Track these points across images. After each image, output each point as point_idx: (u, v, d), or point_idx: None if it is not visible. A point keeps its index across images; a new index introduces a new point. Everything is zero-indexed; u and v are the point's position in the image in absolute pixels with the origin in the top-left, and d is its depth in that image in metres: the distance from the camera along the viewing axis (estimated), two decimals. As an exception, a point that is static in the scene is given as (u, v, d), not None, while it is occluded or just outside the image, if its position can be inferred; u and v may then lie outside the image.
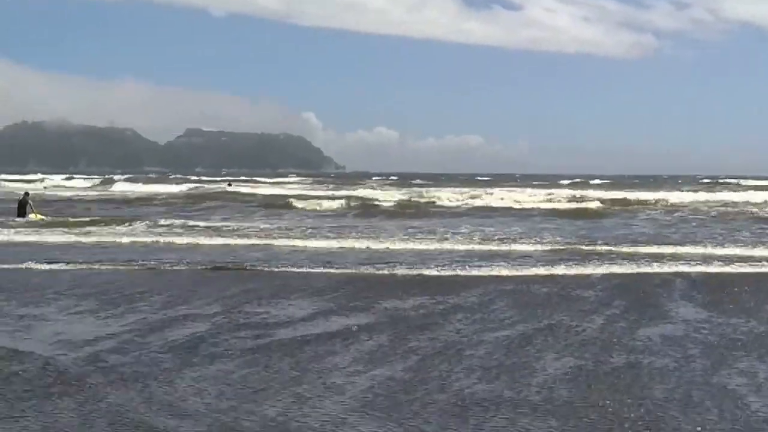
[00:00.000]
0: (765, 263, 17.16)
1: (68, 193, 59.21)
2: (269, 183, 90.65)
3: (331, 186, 79.28)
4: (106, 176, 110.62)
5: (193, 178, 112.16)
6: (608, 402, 7.03)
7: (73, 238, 22.63)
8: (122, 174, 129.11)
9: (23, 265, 16.17)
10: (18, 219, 29.69)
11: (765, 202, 41.05)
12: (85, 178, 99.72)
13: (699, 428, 6.40)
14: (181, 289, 13.28)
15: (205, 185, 78.51)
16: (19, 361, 8.20)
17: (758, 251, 19.48)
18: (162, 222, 28.08)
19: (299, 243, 21.45)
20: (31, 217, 30.25)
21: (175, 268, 16.22)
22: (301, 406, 6.91)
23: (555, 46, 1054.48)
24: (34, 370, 7.87)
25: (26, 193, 33.19)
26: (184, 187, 70.16)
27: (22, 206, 30.82)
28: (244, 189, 64.11)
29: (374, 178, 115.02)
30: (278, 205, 42.17)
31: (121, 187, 75.70)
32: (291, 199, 44.30)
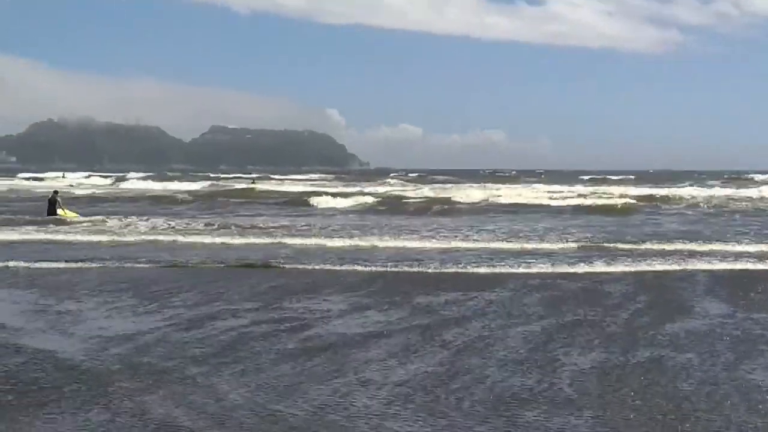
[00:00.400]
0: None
1: (85, 191, 58.58)
2: (293, 180, 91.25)
3: (352, 182, 79.12)
4: (119, 174, 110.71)
5: (212, 175, 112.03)
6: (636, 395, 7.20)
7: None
8: (144, 171, 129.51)
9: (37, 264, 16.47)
10: (48, 216, 30.25)
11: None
12: (102, 176, 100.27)
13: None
14: (209, 286, 13.55)
15: (223, 182, 78.71)
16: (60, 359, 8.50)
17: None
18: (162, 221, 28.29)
19: (321, 242, 21.42)
20: (60, 213, 30.90)
21: (204, 265, 16.50)
22: (339, 399, 7.14)
23: (578, 41, 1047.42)
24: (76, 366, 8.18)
25: (55, 192, 33.96)
26: (203, 185, 70.22)
27: (52, 204, 31.40)
28: (268, 186, 64.38)
29: (392, 175, 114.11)
30: (299, 202, 42.43)
31: (135, 184, 75.22)
32: (312, 197, 44.06)
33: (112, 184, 78.72)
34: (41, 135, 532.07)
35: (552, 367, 8.19)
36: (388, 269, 15.77)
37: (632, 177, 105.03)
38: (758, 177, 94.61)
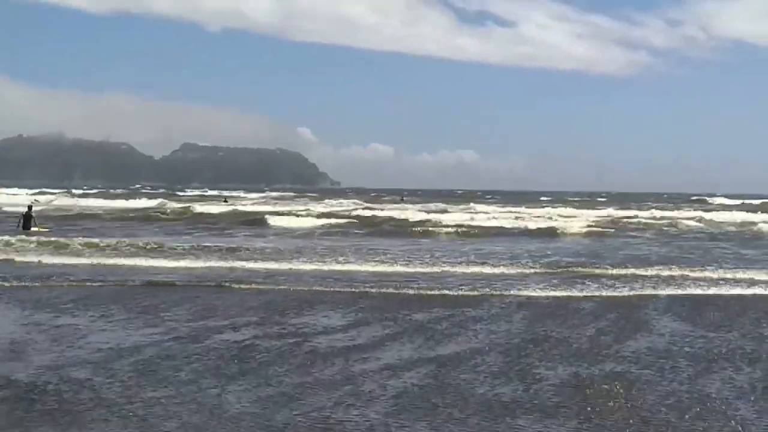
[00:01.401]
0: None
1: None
2: (252, 199, 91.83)
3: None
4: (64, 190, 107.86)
5: (180, 194, 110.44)
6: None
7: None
8: (113, 188, 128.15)
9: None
10: (23, 230, 31.07)
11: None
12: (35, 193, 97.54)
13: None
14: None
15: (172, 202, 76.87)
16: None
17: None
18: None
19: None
20: (35, 228, 31.67)
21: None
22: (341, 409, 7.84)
23: (549, 62, 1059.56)
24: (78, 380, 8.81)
25: (29, 207, 34.80)
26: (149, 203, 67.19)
27: (27, 219, 32.10)
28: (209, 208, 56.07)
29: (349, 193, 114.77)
30: (252, 221, 42.19)
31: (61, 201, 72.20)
32: (267, 216, 43.62)
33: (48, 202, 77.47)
34: (12, 151, 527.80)
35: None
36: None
37: (599, 198, 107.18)
38: (721, 201, 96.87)
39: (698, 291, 16.61)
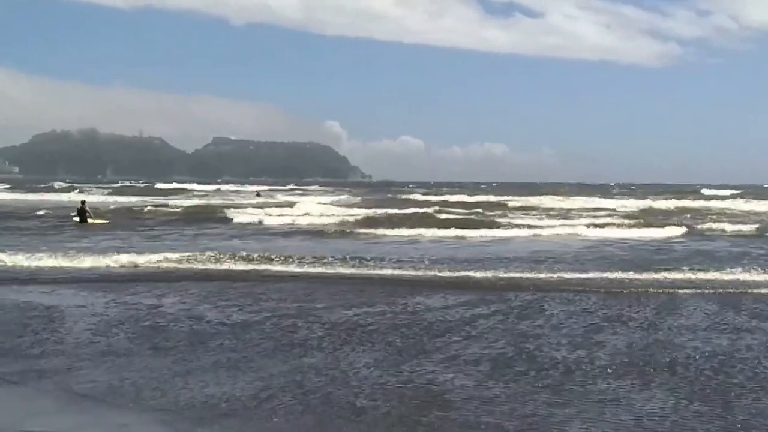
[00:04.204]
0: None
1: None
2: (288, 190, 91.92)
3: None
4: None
5: (161, 186, 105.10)
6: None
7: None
8: (145, 182, 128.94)
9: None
10: (80, 223, 34.06)
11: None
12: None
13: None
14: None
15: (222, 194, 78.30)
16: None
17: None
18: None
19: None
20: (90, 221, 34.55)
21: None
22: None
23: (577, 53, 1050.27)
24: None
25: (83, 202, 37.49)
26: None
27: (82, 213, 34.37)
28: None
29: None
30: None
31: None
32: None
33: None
34: (44, 146, 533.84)
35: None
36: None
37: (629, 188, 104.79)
38: None
39: None
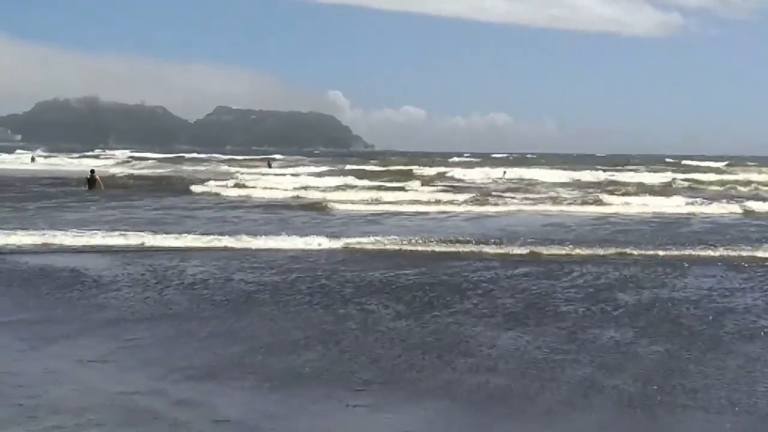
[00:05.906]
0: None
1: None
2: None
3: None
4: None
5: (151, 156, 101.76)
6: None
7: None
8: (149, 152, 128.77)
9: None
10: (90, 189, 35.87)
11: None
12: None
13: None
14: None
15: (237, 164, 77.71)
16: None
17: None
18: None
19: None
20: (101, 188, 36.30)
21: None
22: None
23: (579, 24, 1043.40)
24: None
25: (92, 171, 39.22)
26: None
27: (91, 182, 36.56)
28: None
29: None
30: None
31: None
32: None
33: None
34: (47, 114, 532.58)
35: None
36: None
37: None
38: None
39: None
